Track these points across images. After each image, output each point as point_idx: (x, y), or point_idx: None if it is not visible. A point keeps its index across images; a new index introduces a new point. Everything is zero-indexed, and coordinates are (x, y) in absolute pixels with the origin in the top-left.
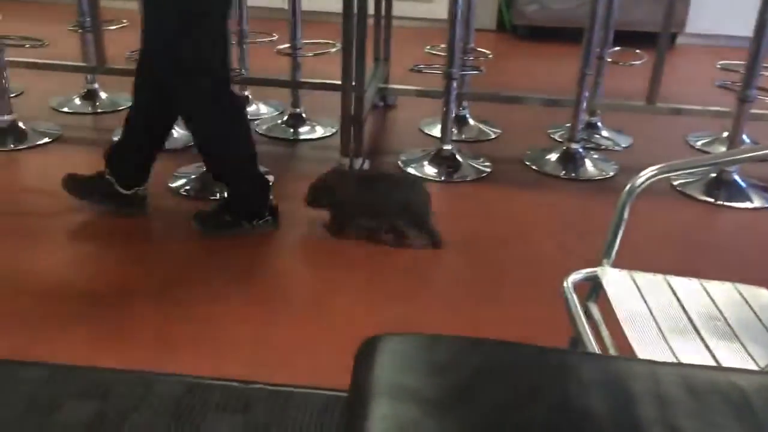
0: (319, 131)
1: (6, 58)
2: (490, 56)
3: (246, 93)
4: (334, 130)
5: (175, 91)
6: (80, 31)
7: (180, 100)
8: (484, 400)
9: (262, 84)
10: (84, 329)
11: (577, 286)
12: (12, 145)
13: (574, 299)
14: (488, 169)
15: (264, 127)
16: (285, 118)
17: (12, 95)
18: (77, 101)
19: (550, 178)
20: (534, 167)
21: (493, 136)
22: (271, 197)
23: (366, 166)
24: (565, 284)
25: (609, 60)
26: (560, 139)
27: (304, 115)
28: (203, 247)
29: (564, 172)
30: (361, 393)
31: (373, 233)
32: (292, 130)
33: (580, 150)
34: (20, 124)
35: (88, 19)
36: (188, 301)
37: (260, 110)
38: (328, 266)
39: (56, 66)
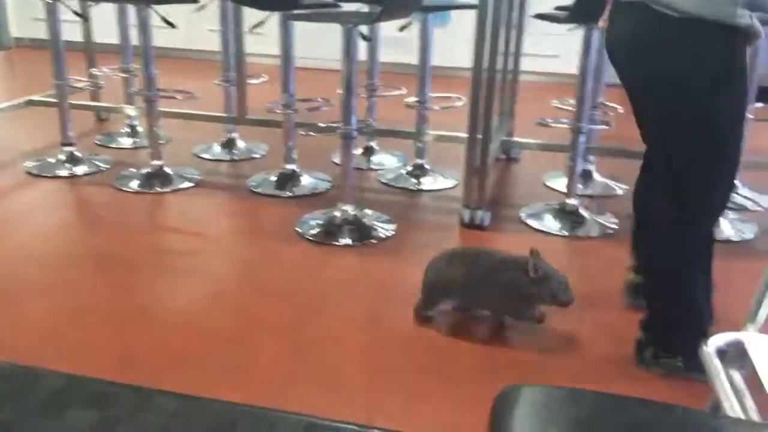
0: (441, 182)
1: (158, 109)
2: (621, 111)
3: (372, 143)
4: (456, 182)
5: None
6: (225, 84)
7: None
8: None
9: (390, 135)
10: (212, 362)
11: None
12: (158, 188)
13: (717, 364)
14: (615, 226)
15: (388, 176)
16: (409, 168)
17: (161, 142)
18: (217, 149)
19: None
20: None
21: (620, 193)
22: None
23: (487, 217)
24: (705, 348)
25: (751, 117)
26: None
27: (427, 166)
28: (325, 291)
29: None
30: None
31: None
32: (414, 180)
33: None
34: (166, 169)
35: (233, 74)
36: (311, 342)
37: (384, 160)
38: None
39: (202, 117)
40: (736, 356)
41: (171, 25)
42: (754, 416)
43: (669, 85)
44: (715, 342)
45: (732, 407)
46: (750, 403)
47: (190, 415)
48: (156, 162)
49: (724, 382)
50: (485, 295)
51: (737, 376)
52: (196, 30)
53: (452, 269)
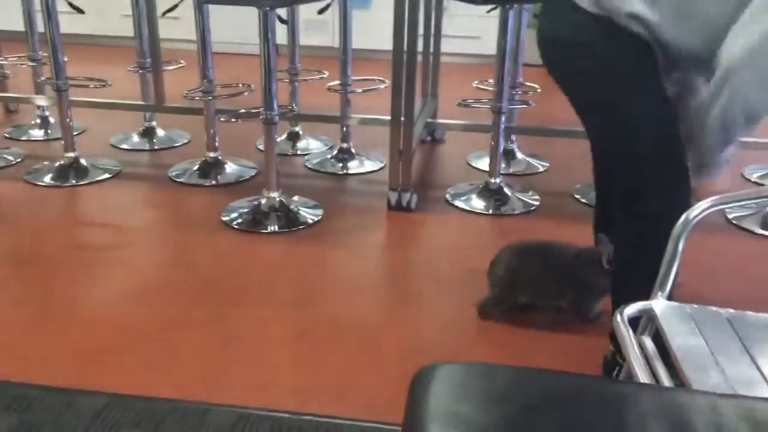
0: (368, 165)
1: (70, 98)
2: (539, 90)
3: (297, 129)
4: (382, 165)
5: None
6: (140, 71)
7: None
8: (541, 430)
9: (313, 120)
10: (137, 359)
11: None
12: (74, 181)
13: (629, 332)
14: (537, 203)
15: (314, 161)
16: (334, 153)
17: (75, 133)
18: (136, 138)
19: None
20: (583, 200)
21: (542, 170)
22: None
23: (414, 199)
24: (618, 317)
25: None
26: None
27: (353, 149)
28: (252, 279)
29: None
30: (415, 420)
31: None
32: (341, 164)
33: None
34: (82, 161)
35: (148, 60)
36: (239, 333)
37: (310, 145)
38: (381, 295)
39: (117, 105)
40: (648, 324)
41: (79, 10)
42: (665, 381)
43: (577, 76)
44: (627, 311)
45: (643, 374)
46: (661, 369)
47: (116, 414)
48: (70, 154)
49: (636, 349)
50: (558, 291)
51: (649, 343)
52: (107, 15)
53: (524, 264)
